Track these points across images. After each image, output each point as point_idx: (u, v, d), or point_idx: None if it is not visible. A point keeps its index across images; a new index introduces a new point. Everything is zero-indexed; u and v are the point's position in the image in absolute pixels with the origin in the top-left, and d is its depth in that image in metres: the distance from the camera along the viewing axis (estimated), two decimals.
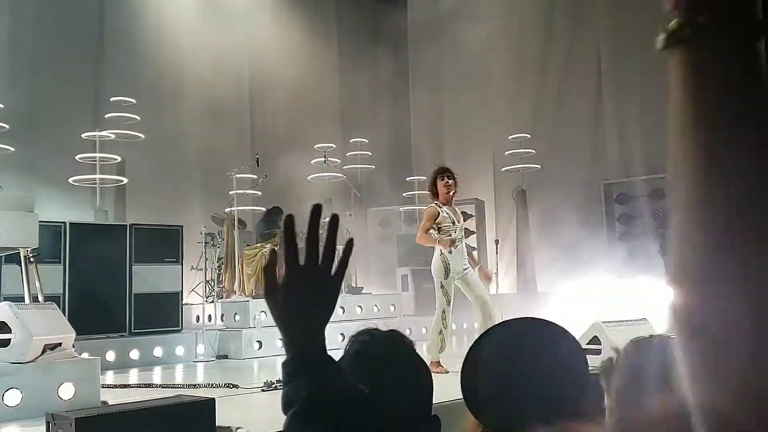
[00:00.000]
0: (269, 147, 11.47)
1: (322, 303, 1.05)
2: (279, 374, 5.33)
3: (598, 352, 5.23)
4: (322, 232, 1.02)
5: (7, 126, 8.23)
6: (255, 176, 9.92)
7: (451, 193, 5.90)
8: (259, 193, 10.30)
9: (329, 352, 1.06)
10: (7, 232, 4.59)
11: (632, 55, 10.56)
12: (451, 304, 5.72)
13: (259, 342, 7.83)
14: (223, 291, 9.38)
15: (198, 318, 8.48)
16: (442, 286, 5.71)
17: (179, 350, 7.53)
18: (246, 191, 9.82)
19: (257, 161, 9.66)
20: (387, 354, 1.46)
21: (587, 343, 5.48)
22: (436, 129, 13.81)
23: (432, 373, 1.51)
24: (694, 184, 0.57)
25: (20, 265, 4.99)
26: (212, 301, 8.68)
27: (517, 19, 12.61)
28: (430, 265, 6.07)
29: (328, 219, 1.08)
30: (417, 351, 1.54)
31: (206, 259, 8.82)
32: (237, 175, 9.32)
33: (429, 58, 13.86)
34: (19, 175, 8.24)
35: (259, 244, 9.73)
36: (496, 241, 11.22)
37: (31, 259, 4.99)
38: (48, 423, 3.20)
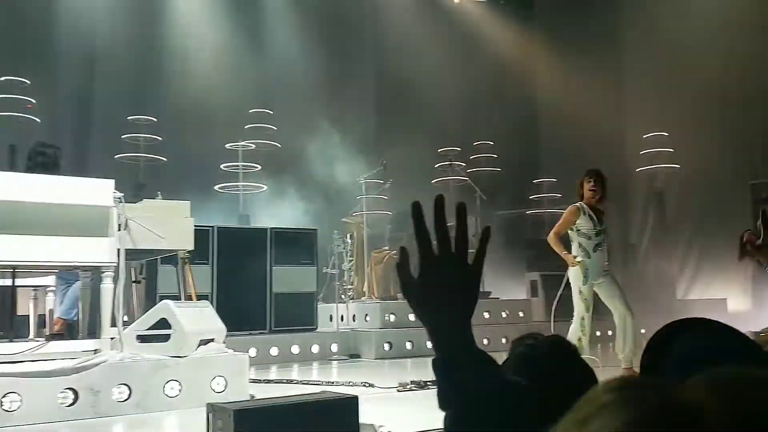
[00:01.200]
0: (394, 152, 11.68)
1: (463, 290, 0.98)
2: (412, 376, 5.43)
3: None
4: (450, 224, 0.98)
5: (159, 138, 8.91)
6: (381, 181, 10.16)
7: (596, 198, 5.76)
8: (386, 197, 10.53)
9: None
10: (166, 236, 4.98)
11: None
12: (590, 310, 5.59)
13: (390, 343, 8.02)
14: (354, 292, 9.65)
15: (331, 318, 8.79)
16: (580, 292, 5.58)
17: (315, 348, 7.85)
18: (374, 196, 10.08)
19: (384, 166, 9.88)
20: (552, 358, 1.49)
21: None
22: (565, 128, 13.47)
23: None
24: None
25: (176, 267, 5.41)
26: (344, 302, 8.97)
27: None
28: (560, 270, 5.97)
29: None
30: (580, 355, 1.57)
31: (337, 261, 9.13)
32: (366, 181, 9.59)
33: (557, 56, 13.57)
34: (171, 182, 8.89)
35: (386, 248, 9.95)
36: (631, 245, 10.85)
37: (186, 261, 5.39)
38: (208, 414, 3.45)
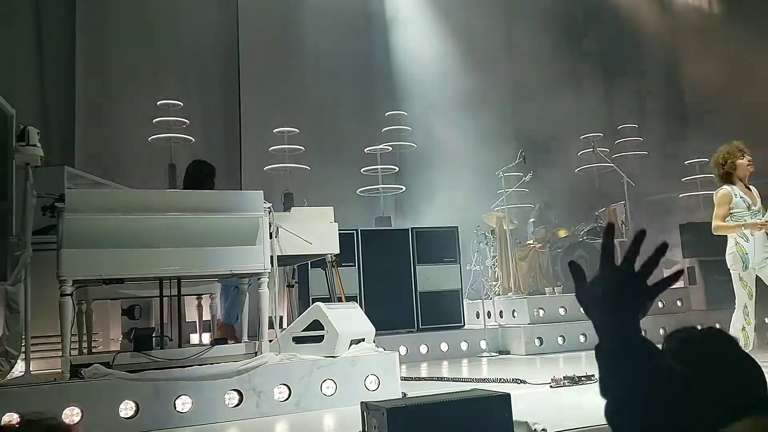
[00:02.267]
0: (532, 142, 11.45)
1: (631, 297, 1.06)
2: (564, 371, 5.29)
3: None
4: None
5: (302, 148, 9.28)
6: (521, 173, 9.97)
7: (748, 173, 5.36)
8: (527, 190, 10.33)
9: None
10: (313, 242, 5.18)
11: None
12: (753, 297, 5.20)
13: (540, 338, 7.87)
14: (500, 288, 9.55)
15: (478, 314, 8.75)
16: (741, 279, 5.21)
17: (463, 345, 7.86)
18: (514, 189, 9.92)
19: (524, 158, 9.68)
20: (708, 352, 1.42)
21: None
22: (712, 103, 12.55)
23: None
24: None
25: (325, 270, 5.61)
26: (490, 299, 8.90)
27: None
28: (721, 255, 5.58)
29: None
30: (740, 346, 1.48)
31: (481, 258, 9.08)
32: (505, 174, 9.46)
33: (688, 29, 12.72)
34: (316, 189, 9.24)
35: (531, 241, 9.77)
36: None
37: (334, 264, 5.57)
38: (363, 412, 3.54)
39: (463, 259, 8.54)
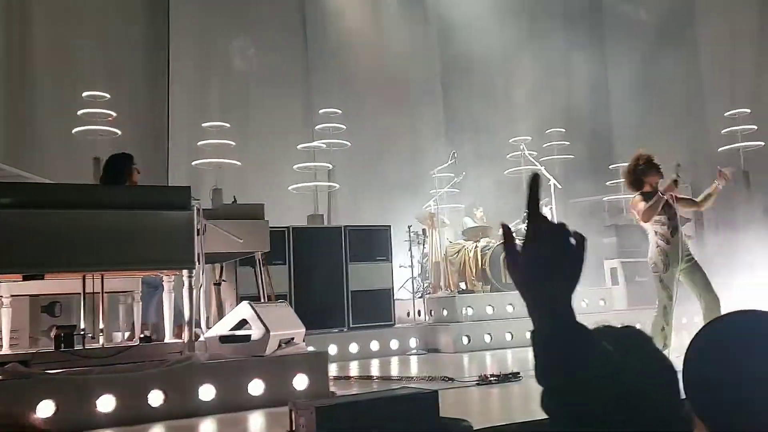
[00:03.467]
0: (465, 144, 11.61)
1: (569, 264, 0.99)
2: (492, 369, 5.39)
3: None
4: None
5: (233, 143, 9.13)
6: (453, 174, 10.10)
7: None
8: (458, 190, 10.47)
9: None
10: (243, 239, 5.11)
11: None
12: (674, 299, 5.42)
13: (468, 336, 7.98)
14: (431, 287, 9.65)
15: (408, 313, 8.82)
16: (661, 281, 5.42)
17: (393, 344, 7.90)
18: (446, 189, 10.04)
19: (455, 159, 9.82)
20: (621, 350, 1.45)
21: None
22: (638, 110, 13.02)
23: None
24: None
25: (254, 268, 5.54)
26: (420, 297, 8.98)
27: None
28: (643, 257, 5.80)
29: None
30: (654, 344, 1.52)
31: (412, 257, 9.14)
32: (437, 174, 9.56)
33: (621, 31, 13.15)
34: (247, 186, 9.10)
35: (461, 241, 9.90)
36: (718, 229, 10.43)
37: (263, 262, 5.51)
38: (291, 411, 3.51)
39: (394, 257, 8.58)
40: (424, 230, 9.66)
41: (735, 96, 11.13)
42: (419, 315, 8.73)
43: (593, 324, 1.59)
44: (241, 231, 5.11)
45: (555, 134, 11.87)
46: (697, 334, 1.35)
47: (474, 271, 9.29)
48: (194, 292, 4.74)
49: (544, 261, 0.97)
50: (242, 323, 4.86)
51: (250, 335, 4.78)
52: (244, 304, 4.86)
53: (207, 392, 4.49)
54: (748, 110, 10.54)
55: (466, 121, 12.59)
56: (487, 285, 9.09)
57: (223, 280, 6.27)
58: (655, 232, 5.49)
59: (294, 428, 3.46)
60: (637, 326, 1.66)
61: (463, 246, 9.58)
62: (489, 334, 8.09)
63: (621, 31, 13.17)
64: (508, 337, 8.13)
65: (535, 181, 1.01)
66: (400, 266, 9.15)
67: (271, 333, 4.72)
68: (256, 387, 4.64)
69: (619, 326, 1.56)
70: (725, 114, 10.71)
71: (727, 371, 1.21)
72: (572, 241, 0.99)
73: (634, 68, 12.70)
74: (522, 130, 11.46)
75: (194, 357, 4.55)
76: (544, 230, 0.98)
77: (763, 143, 10.44)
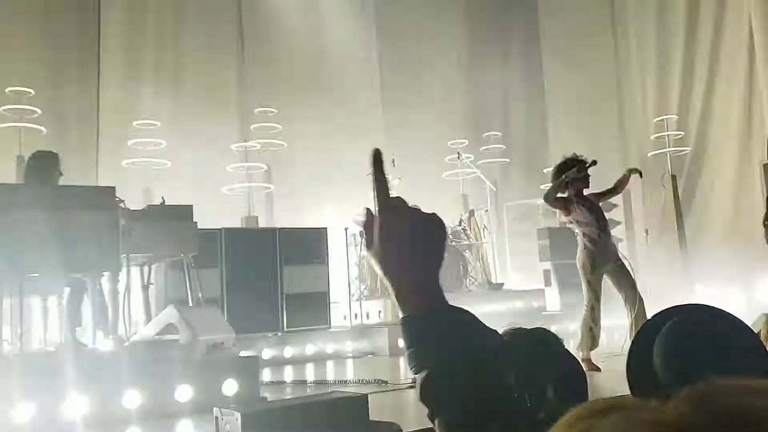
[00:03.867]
0: (403, 146, 11.64)
1: (430, 239, 0.92)
2: None
3: None
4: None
5: (164, 142, 8.90)
6: (390, 177, 10.09)
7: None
8: (396, 193, 10.47)
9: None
10: (170, 241, 4.96)
11: None
12: (600, 299, 5.52)
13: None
14: (367, 290, 9.61)
15: (345, 316, 8.75)
16: (588, 282, 5.52)
17: (329, 347, 7.82)
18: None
19: (393, 162, 9.81)
20: (535, 352, 1.44)
21: None
22: (573, 115, 13.31)
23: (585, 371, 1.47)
24: None
25: (183, 271, 5.39)
26: (357, 300, 8.93)
27: None
28: (573, 259, 5.91)
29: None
30: (566, 347, 1.51)
31: (349, 259, 9.08)
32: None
33: (558, 38, 13.44)
34: (179, 186, 8.87)
35: None
36: (646, 231, 10.72)
37: (192, 265, 5.37)
38: (216, 418, 3.42)
39: (331, 260, 8.50)
40: (361, 232, 9.61)
41: (664, 101, 11.47)
42: (356, 318, 8.68)
43: (506, 326, 1.58)
44: (169, 233, 4.96)
45: (492, 138, 12.02)
46: (642, 327, 1.36)
47: None
48: (119, 295, 4.58)
49: (404, 245, 0.90)
50: (169, 327, 4.72)
51: (177, 339, 4.65)
52: (171, 307, 4.73)
53: (132, 399, 4.34)
54: (676, 116, 10.89)
55: (406, 123, 12.62)
56: None
57: (151, 284, 6.08)
58: (583, 234, 5.59)
59: None
60: (552, 328, 1.65)
61: None
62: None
63: (557, 37, 13.43)
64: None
65: (377, 159, 0.94)
66: (337, 269, 9.07)
67: (199, 337, 4.60)
68: (184, 393, 4.51)
69: (529, 328, 1.55)
70: (655, 120, 11.04)
71: (679, 365, 1.22)
72: (429, 223, 0.93)
73: (570, 73, 12.98)
74: (460, 133, 11.56)
75: (118, 361, 4.39)
76: (399, 212, 0.92)
77: (689, 148, 10.80)
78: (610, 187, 6.09)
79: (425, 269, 0.91)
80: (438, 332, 0.87)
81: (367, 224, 0.93)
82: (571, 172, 5.47)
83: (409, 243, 0.90)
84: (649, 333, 1.31)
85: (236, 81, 11.05)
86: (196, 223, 5.19)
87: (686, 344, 1.24)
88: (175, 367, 4.52)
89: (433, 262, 0.91)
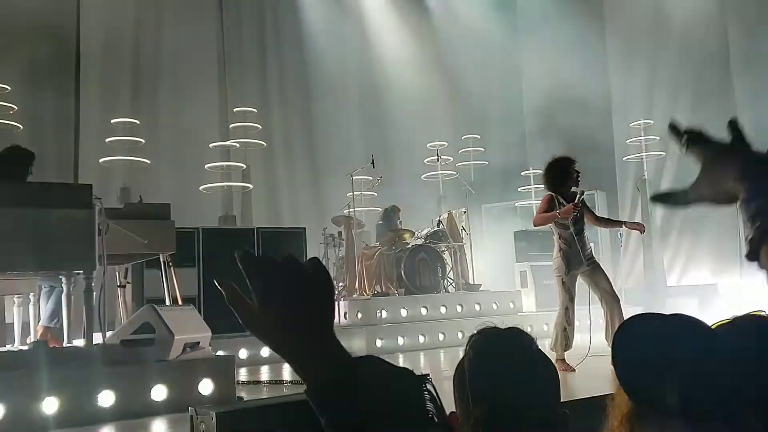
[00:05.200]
0: (383, 148, 11.67)
1: (315, 295, 0.85)
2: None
3: None
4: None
5: (142, 140, 8.85)
6: (371, 177, 10.12)
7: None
8: (375, 194, 10.50)
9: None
10: (148, 240, 4.94)
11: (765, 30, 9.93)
12: (574, 300, 5.58)
13: (382, 339, 8.01)
14: (345, 290, 9.63)
15: None
16: (563, 283, 5.58)
17: None
18: (363, 192, 10.04)
19: (372, 162, 9.84)
20: (508, 352, 1.47)
21: None
22: (550, 118, 13.40)
23: (558, 371, 1.50)
24: None
25: (160, 270, 5.37)
26: (335, 300, 8.93)
27: None
28: (550, 261, 5.96)
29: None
30: (539, 347, 1.54)
31: (328, 260, 9.09)
32: (354, 177, 9.56)
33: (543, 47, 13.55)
34: (157, 185, 8.83)
35: (377, 244, 9.93)
36: (620, 235, 10.85)
37: (170, 264, 5.35)
38: (191, 417, 3.42)
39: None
40: (339, 233, 9.63)
41: (640, 107, 11.62)
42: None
43: (480, 325, 1.61)
44: (146, 231, 4.94)
45: (471, 140, 12.09)
46: (621, 325, 1.39)
47: (389, 274, 9.32)
48: (95, 294, 4.55)
49: (285, 308, 0.82)
50: (145, 327, 4.70)
51: (153, 339, 4.63)
52: (147, 306, 4.71)
53: (106, 398, 4.32)
54: (651, 121, 11.03)
55: (385, 124, 12.66)
56: (401, 288, 9.14)
57: (128, 282, 6.05)
58: (559, 236, 5.65)
59: None
60: (528, 329, 1.68)
61: (379, 249, 9.61)
62: (403, 336, 8.14)
63: (535, 41, 13.55)
64: (421, 339, 8.20)
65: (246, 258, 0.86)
66: None
67: (175, 337, 4.58)
68: (159, 392, 4.49)
69: (504, 328, 1.58)
70: (630, 124, 11.17)
71: (652, 357, 1.24)
72: (310, 270, 0.85)
73: (547, 77, 13.10)
74: (439, 135, 11.62)
75: (92, 361, 4.37)
76: (270, 270, 0.83)
77: (664, 153, 10.94)
78: (600, 216, 6.13)
79: (317, 329, 0.83)
80: (346, 401, 0.81)
81: (236, 295, 0.85)
82: (567, 210, 5.49)
83: (296, 310, 0.82)
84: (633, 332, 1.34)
85: (217, 80, 11.02)
86: (173, 221, 5.17)
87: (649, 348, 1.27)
88: (151, 367, 4.51)
89: (323, 318, 0.84)
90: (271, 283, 0.83)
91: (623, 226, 6.11)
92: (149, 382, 4.45)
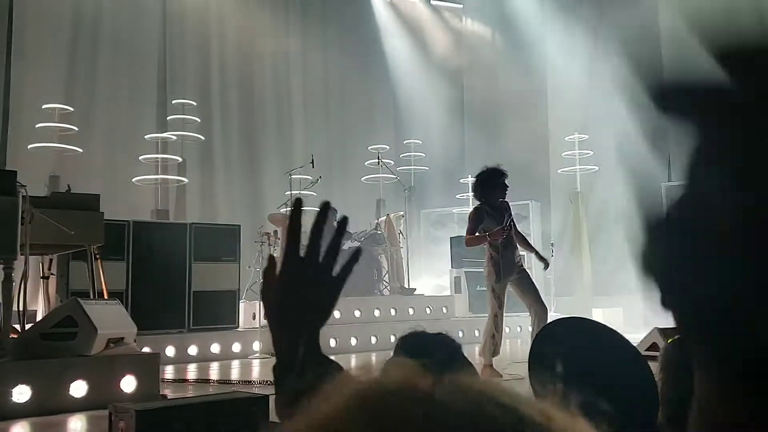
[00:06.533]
0: (324, 148, 11.64)
1: (319, 301, 0.93)
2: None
3: (656, 359, 5.11)
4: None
5: (75, 128, 8.57)
6: (310, 177, 10.07)
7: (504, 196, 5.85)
8: (315, 194, 10.45)
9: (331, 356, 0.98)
10: (74, 231, 4.79)
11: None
12: (503, 308, 5.68)
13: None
14: None
15: (254, 315, 8.65)
16: (493, 290, 5.67)
17: (236, 347, 7.71)
18: (301, 192, 9.98)
19: (312, 162, 9.78)
20: (433, 356, 1.48)
21: (645, 350, 5.34)
22: (490, 128, 13.62)
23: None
24: None
25: (86, 262, 5.22)
26: None
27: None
28: (483, 267, 6.05)
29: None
30: (463, 352, 1.56)
31: (263, 258, 8.99)
32: (293, 176, 9.49)
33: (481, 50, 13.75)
34: (86, 175, 8.56)
35: None
36: (552, 245, 11.11)
37: (97, 256, 5.20)
38: (110, 414, 3.33)
39: (242, 259, 8.39)
40: (276, 231, 9.54)
41: (576, 121, 11.90)
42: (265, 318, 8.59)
43: (408, 329, 1.62)
44: (73, 222, 4.79)
45: (412, 145, 12.17)
46: (536, 336, 1.42)
47: None
48: (15, 285, 4.39)
49: (293, 298, 0.92)
50: (68, 320, 4.55)
51: (75, 333, 4.49)
52: (71, 299, 4.57)
53: (21, 393, 4.17)
54: (586, 136, 11.33)
55: (326, 124, 12.63)
56: None
57: (52, 274, 5.85)
58: (490, 244, 5.73)
59: None
60: (460, 334, 1.70)
61: None
62: (334, 338, 8.11)
63: (478, 55, 13.78)
64: (353, 341, 8.20)
65: (297, 206, 0.96)
66: (249, 267, 8.98)
67: (98, 331, 4.46)
68: (78, 388, 4.37)
69: (432, 333, 1.60)
70: (566, 138, 11.44)
71: (564, 374, 1.27)
72: (334, 271, 0.94)
73: (487, 87, 13.33)
74: (381, 138, 11.65)
75: (10, 355, 4.21)
76: (299, 264, 0.92)
77: (597, 167, 11.24)
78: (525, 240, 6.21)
79: (308, 325, 0.92)
80: (305, 384, 0.84)
81: (269, 270, 0.94)
82: (497, 233, 5.55)
83: (299, 300, 0.91)
84: (542, 343, 1.38)
85: (156, 71, 10.77)
86: (102, 213, 5.02)
87: (558, 353, 1.31)
88: (71, 362, 4.37)
89: (316, 317, 0.93)
90: (298, 267, 0.91)
91: (534, 254, 6.13)
92: (68, 378, 4.33)
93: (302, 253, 0.93)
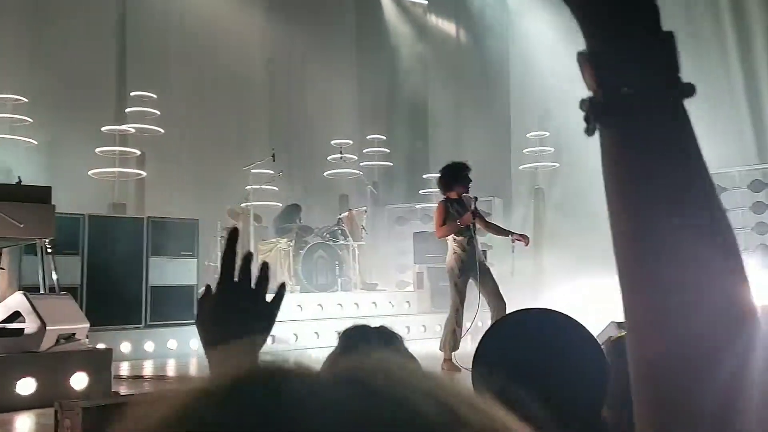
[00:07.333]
0: (286, 142, 11.53)
1: (252, 325, 0.95)
2: None
3: None
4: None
5: (30, 119, 8.36)
6: (272, 171, 9.97)
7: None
8: (276, 188, 10.35)
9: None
10: (24, 224, 4.66)
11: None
12: (465, 302, 5.71)
13: (273, 336, 7.89)
14: None
15: None
16: (455, 285, 5.69)
17: (193, 343, 7.59)
18: (262, 186, 9.88)
19: (273, 156, 9.69)
20: (374, 350, 1.46)
21: (602, 343, 5.40)
22: (453, 124, 13.67)
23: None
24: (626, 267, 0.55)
25: (37, 256, 5.08)
26: None
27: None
28: (445, 263, 6.05)
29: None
30: (406, 346, 1.54)
31: (222, 253, 8.89)
32: (254, 170, 9.39)
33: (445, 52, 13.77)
34: (39, 167, 8.35)
35: (274, 239, 9.80)
36: (513, 240, 11.15)
37: (48, 250, 5.06)
38: (56, 411, 3.25)
39: (201, 254, 8.27)
40: (234, 226, 9.44)
41: (537, 118, 12.00)
42: None
43: (352, 323, 1.60)
44: (22, 215, 4.65)
45: (376, 141, 12.14)
46: (487, 330, 1.40)
47: (286, 270, 9.21)
48: None
49: (229, 323, 0.93)
50: (16, 315, 4.43)
51: (23, 329, 4.37)
52: (18, 294, 4.44)
53: None
54: (547, 133, 11.42)
55: (290, 118, 12.51)
56: (297, 285, 9.05)
57: (2, 268, 5.68)
58: (453, 239, 5.76)
59: (58, 430, 3.19)
60: (421, 329, 1.67)
61: (276, 244, 9.48)
62: (295, 334, 8.05)
63: (442, 51, 13.80)
64: (314, 337, 8.14)
65: (233, 237, 0.98)
66: (207, 262, 8.87)
67: (47, 327, 4.34)
68: (26, 385, 4.25)
69: (373, 326, 1.58)
70: (528, 135, 11.52)
71: (512, 369, 1.25)
72: (263, 292, 0.97)
73: (451, 87, 13.37)
74: (344, 133, 11.59)
75: None
76: (233, 290, 0.95)
77: (558, 164, 11.35)
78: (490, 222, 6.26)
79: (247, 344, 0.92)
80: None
81: (207, 294, 0.96)
82: (466, 218, 5.61)
83: (238, 325, 0.93)
84: (493, 336, 1.35)
85: (115, 62, 10.54)
86: (53, 206, 4.89)
87: (521, 348, 1.29)
88: (18, 359, 4.25)
89: (254, 347, 0.94)
90: (235, 298, 0.96)
91: (510, 235, 6.22)
92: (15, 375, 4.22)
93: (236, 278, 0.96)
